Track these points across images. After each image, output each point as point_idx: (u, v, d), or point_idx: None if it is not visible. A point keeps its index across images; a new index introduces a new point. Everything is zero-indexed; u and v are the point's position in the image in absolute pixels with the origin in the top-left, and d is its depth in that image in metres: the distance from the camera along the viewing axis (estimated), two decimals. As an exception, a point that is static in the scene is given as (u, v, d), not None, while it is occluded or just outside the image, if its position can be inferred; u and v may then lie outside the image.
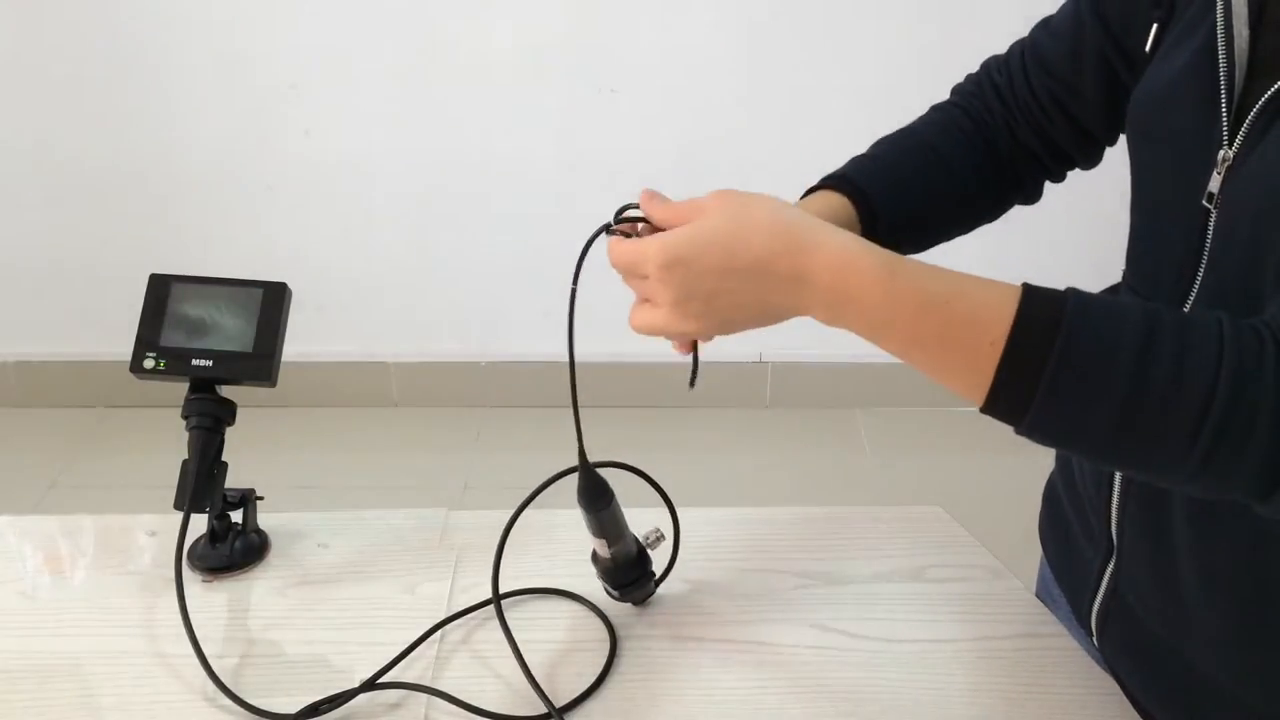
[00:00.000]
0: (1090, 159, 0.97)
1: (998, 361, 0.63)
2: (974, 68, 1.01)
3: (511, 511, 0.97)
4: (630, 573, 0.92)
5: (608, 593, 0.95)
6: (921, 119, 0.99)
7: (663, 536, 0.94)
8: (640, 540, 0.93)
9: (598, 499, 0.86)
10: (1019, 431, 0.65)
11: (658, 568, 0.96)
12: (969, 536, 1.06)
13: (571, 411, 0.82)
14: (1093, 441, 0.65)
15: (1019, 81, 0.95)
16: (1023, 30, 0.98)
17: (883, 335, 0.68)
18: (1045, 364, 0.62)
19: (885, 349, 0.69)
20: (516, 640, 0.91)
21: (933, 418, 2.71)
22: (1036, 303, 0.64)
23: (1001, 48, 0.99)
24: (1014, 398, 0.64)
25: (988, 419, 0.66)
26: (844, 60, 2.50)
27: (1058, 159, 0.97)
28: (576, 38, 2.50)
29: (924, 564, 1.02)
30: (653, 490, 0.96)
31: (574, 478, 0.88)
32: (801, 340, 2.80)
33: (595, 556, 0.92)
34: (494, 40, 2.49)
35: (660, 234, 0.71)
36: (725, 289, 0.70)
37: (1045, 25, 0.94)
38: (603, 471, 0.88)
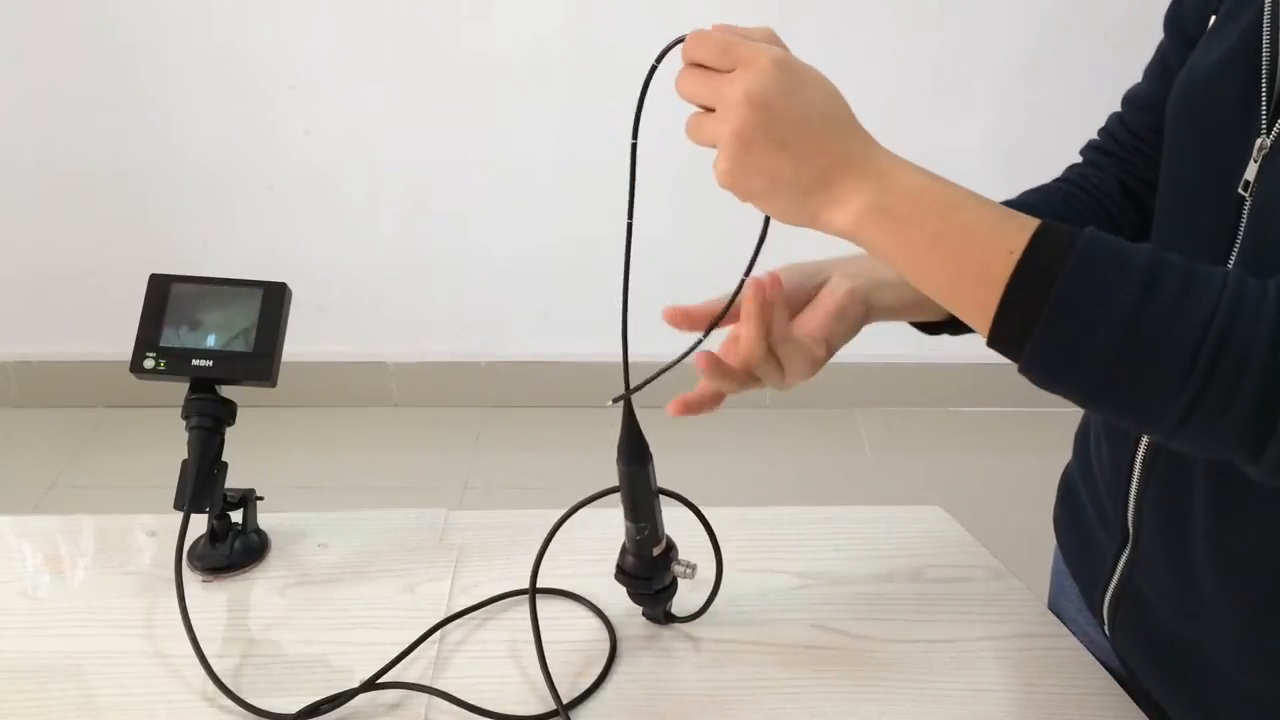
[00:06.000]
0: None
1: (1012, 270, 0.64)
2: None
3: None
4: (637, 565, 0.89)
5: (616, 576, 0.91)
6: (1036, 190, 0.97)
7: (691, 574, 0.91)
8: (672, 548, 0.89)
9: (633, 457, 0.85)
10: (1021, 363, 0.65)
11: (686, 604, 0.94)
12: (969, 536, 1.06)
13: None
14: (1088, 373, 0.64)
15: (1117, 129, 0.96)
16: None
17: (914, 228, 0.67)
18: (1054, 281, 0.62)
19: (903, 258, 0.68)
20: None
21: (933, 418, 2.69)
22: (1055, 227, 0.65)
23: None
24: (1021, 316, 0.64)
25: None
26: (845, 60, 2.50)
27: None
28: (576, 38, 2.50)
29: (924, 564, 1.02)
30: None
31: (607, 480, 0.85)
32: (801, 340, 2.80)
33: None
34: (494, 40, 2.49)
35: (765, 61, 0.72)
36: (803, 134, 0.70)
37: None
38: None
